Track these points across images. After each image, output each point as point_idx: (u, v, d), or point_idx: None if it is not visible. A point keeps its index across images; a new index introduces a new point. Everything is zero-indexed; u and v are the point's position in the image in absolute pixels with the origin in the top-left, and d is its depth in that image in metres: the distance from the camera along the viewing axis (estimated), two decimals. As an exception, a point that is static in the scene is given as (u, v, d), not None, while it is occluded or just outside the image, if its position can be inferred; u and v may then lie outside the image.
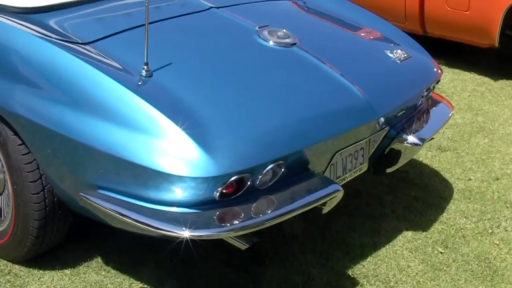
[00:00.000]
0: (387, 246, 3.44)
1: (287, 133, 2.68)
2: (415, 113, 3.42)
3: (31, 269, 3.12)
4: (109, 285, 3.05)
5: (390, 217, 3.69)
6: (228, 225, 2.49)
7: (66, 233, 3.12)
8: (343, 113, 2.90)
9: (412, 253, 3.39)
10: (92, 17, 3.12)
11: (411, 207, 3.80)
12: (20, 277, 3.07)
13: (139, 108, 2.53)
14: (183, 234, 2.44)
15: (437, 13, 5.86)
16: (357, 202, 3.83)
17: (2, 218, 3.11)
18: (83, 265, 3.17)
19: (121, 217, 2.54)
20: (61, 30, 2.91)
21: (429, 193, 3.95)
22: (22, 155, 2.85)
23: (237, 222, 2.49)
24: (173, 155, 2.45)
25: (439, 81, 3.60)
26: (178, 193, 2.48)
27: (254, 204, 2.58)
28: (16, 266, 3.13)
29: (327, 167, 2.93)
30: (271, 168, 2.60)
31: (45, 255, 3.15)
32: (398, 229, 3.59)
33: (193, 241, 2.50)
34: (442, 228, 3.61)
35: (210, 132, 2.52)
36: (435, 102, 3.66)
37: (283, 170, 2.65)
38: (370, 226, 3.60)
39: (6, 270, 3.10)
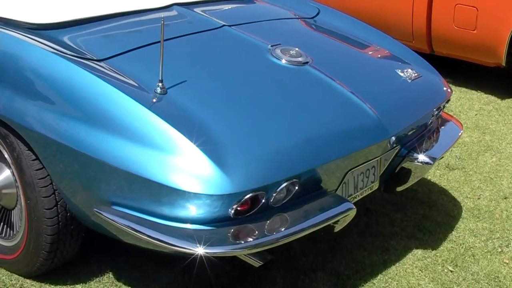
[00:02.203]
0: (397, 264, 3.44)
1: (300, 152, 2.70)
2: (425, 132, 3.44)
3: (42, 284, 3.12)
4: (120, 301, 3.07)
5: (400, 235, 3.70)
6: (243, 242, 2.50)
7: (78, 248, 3.13)
8: (356, 132, 2.92)
9: (422, 272, 3.40)
10: (106, 34, 3.15)
11: (420, 225, 3.81)
12: (32, 292, 3.08)
13: (154, 125, 2.55)
14: (197, 251, 2.45)
15: (444, 32, 5.90)
16: (367, 220, 3.84)
17: (14, 233, 3.12)
18: (94, 281, 3.17)
19: (135, 233, 2.55)
20: (75, 47, 2.94)
21: (438, 212, 3.96)
22: (36, 170, 2.86)
23: (251, 239, 2.50)
24: (188, 172, 2.47)
25: (449, 100, 3.62)
26: (193, 210, 2.49)
27: (268, 221, 2.59)
28: (28, 280, 3.14)
29: (339, 185, 2.94)
30: (285, 186, 2.62)
31: (56, 270, 3.15)
32: (408, 247, 3.59)
33: (207, 258, 2.51)
34: (451, 247, 3.62)
35: (225, 150, 2.53)
36: (444, 121, 3.68)
37: (296, 188, 2.67)
38: (380, 244, 3.60)
39: (18, 285, 3.11)
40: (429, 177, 4.36)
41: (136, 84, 2.74)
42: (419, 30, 6.05)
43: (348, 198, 3.04)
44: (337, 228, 2.86)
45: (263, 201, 2.57)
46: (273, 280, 3.24)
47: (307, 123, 2.83)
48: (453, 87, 6.06)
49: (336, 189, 2.94)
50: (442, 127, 3.61)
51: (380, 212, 3.93)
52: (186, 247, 2.47)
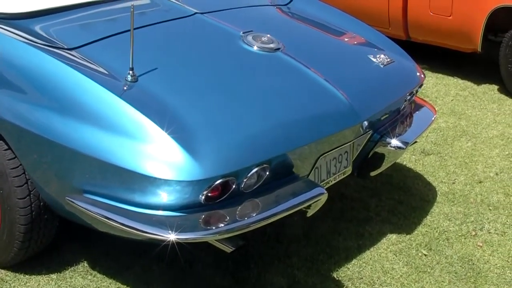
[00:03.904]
0: (371, 249, 3.47)
1: (271, 137, 2.71)
2: (398, 117, 3.47)
3: (17, 274, 3.12)
4: (95, 289, 3.07)
5: (375, 221, 3.72)
6: (214, 228, 2.51)
7: (52, 238, 3.13)
8: (327, 117, 2.94)
9: (396, 256, 3.43)
10: (78, 23, 3.15)
11: (395, 210, 3.84)
12: (6, 282, 3.08)
13: (125, 113, 2.55)
14: (169, 237, 2.46)
15: (420, 18, 5.92)
16: (342, 205, 3.86)
17: (-12, 223, 3.11)
18: (69, 270, 3.17)
19: (107, 221, 2.56)
20: (46, 36, 2.93)
21: (413, 197, 3.99)
22: (8, 160, 2.86)
23: (222, 225, 2.52)
24: (159, 159, 2.48)
25: (422, 85, 3.65)
26: (164, 196, 2.50)
27: (239, 207, 2.61)
28: (2, 271, 3.14)
29: (311, 170, 2.96)
30: (255, 172, 2.63)
31: (31, 260, 3.15)
32: (382, 232, 3.62)
33: (179, 245, 2.52)
34: (426, 231, 3.65)
35: (195, 136, 2.54)
36: (418, 106, 3.71)
37: (267, 173, 2.68)
38: (355, 229, 3.63)
39: (-8, 275, 3.12)
40: (404, 162, 4.40)
41: (107, 72, 2.74)
42: (395, 17, 6.06)
43: (321, 184, 3.06)
44: (310, 213, 2.88)
45: (234, 186, 2.58)
46: (247, 266, 3.26)
47: (278, 109, 2.84)
48: (429, 73, 6.10)
49: (308, 174, 2.96)
50: (416, 112, 3.63)
51: (354, 197, 3.95)
52: (157, 233, 2.48)
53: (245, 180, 2.61)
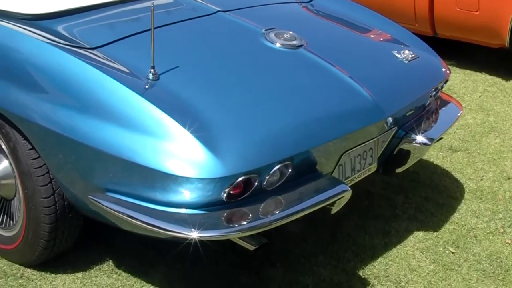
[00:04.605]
0: (398, 247, 3.44)
1: (293, 134, 2.69)
2: (423, 113, 3.42)
3: (43, 272, 3.14)
4: (120, 287, 3.08)
5: (401, 218, 3.68)
6: (236, 225, 2.50)
7: (78, 237, 3.14)
8: (350, 114, 2.91)
9: (423, 253, 3.39)
10: (100, 23, 3.15)
11: (422, 207, 3.79)
12: (32, 280, 3.10)
13: (146, 111, 2.55)
14: (191, 235, 2.45)
15: (447, 14, 5.85)
16: (368, 203, 3.83)
17: (14, 223, 3.14)
18: (94, 268, 3.18)
19: (129, 219, 2.56)
20: (69, 36, 2.94)
21: (440, 194, 3.94)
22: (32, 159, 2.87)
23: (245, 222, 2.50)
24: (180, 157, 2.47)
25: (447, 81, 3.60)
26: (186, 194, 2.49)
27: (262, 204, 2.59)
28: (28, 270, 3.16)
29: (335, 167, 2.94)
30: (278, 169, 2.61)
31: (57, 258, 3.17)
32: (409, 230, 3.58)
33: (204, 243, 2.51)
34: (453, 228, 3.60)
35: (216, 134, 2.53)
36: (444, 102, 3.66)
37: (290, 170, 2.66)
38: (381, 227, 3.60)
39: (19, 274, 3.13)
40: (431, 159, 4.35)
41: (128, 71, 2.74)
42: (421, 13, 6.00)
43: (345, 181, 3.03)
44: (334, 210, 2.85)
45: (256, 184, 2.57)
46: (272, 264, 3.24)
47: (300, 106, 2.82)
48: (457, 69, 6.03)
49: (332, 172, 2.94)
50: (441, 108, 3.58)
51: (381, 194, 3.92)
52: (180, 231, 2.47)
53: (267, 177, 2.60)
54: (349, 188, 2.79)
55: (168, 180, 2.48)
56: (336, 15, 3.79)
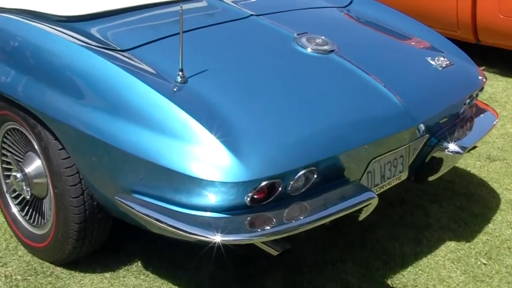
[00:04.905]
0: (428, 256, 3.38)
1: (319, 140, 2.67)
2: (457, 121, 3.36)
3: (72, 271, 3.18)
4: (147, 289, 3.10)
5: (434, 227, 3.63)
6: (259, 230, 2.49)
7: (107, 237, 3.17)
8: (379, 120, 2.87)
9: (454, 264, 3.33)
10: (132, 25, 3.18)
11: (456, 217, 3.73)
12: (61, 279, 3.14)
13: (172, 114, 2.56)
14: (214, 239, 2.45)
15: (490, 21, 5.75)
16: (401, 211, 3.78)
17: (45, 221, 3.19)
18: (123, 269, 3.21)
19: (154, 221, 2.57)
20: (101, 38, 2.97)
21: (476, 203, 3.87)
22: (63, 159, 2.91)
23: (268, 227, 2.49)
24: (205, 160, 2.47)
25: (482, 88, 3.53)
26: (210, 198, 2.50)
27: (286, 210, 2.57)
28: (58, 268, 3.20)
29: (363, 174, 2.90)
30: (302, 174, 2.59)
31: (86, 258, 3.21)
32: (441, 239, 3.52)
33: (229, 247, 2.50)
34: (486, 239, 3.53)
35: (241, 138, 2.53)
36: (479, 110, 3.59)
37: (315, 176, 2.64)
38: (413, 235, 3.55)
39: (48, 272, 3.18)
40: (468, 168, 4.27)
41: (157, 74, 2.76)
42: (464, 20, 5.91)
43: (375, 188, 3.00)
44: (361, 217, 2.81)
45: (280, 189, 2.56)
46: (299, 270, 3.23)
47: (327, 111, 2.80)
48: (499, 77, 5.93)
49: (361, 178, 2.90)
50: (477, 116, 3.52)
51: (415, 203, 3.87)
52: (203, 235, 2.47)
53: (291, 182, 2.58)
54: (376, 196, 2.75)
55: (192, 183, 2.49)
56: (371, 20, 3.76)
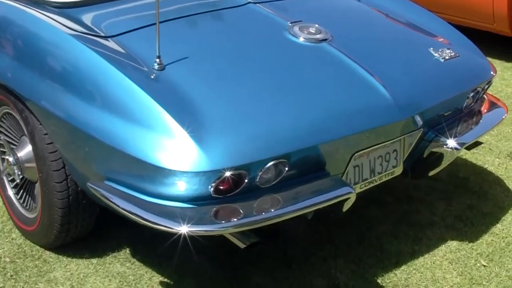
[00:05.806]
0: (426, 256, 3.26)
1: (292, 131, 2.58)
2: (461, 115, 3.22)
3: (60, 256, 3.20)
4: (130, 276, 3.08)
5: (438, 225, 3.49)
6: (226, 221, 2.44)
7: (94, 223, 3.17)
8: (360, 112, 2.75)
9: (451, 264, 3.20)
10: (122, 12, 3.15)
11: (463, 215, 3.58)
12: (48, 263, 3.15)
13: (141, 102, 2.52)
14: (180, 230, 2.40)
15: (527, 14, 5.51)
16: (407, 208, 3.66)
17: (35, 205, 3.21)
18: (110, 256, 3.21)
19: (121, 210, 2.54)
20: (89, 24, 2.97)
21: (486, 202, 3.71)
22: (47, 144, 2.92)
23: (235, 219, 2.44)
24: (169, 150, 2.43)
25: (490, 82, 3.37)
26: (175, 187, 2.45)
27: (255, 202, 2.51)
28: (47, 252, 3.22)
29: (347, 168, 2.80)
30: (272, 166, 2.52)
31: (77, 243, 3.22)
32: (442, 238, 3.39)
33: (194, 238, 2.47)
34: (491, 240, 3.38)
35: (208, 128, 2.47)
36: (487, 105, 3.42)
37: (287, 169, 2.56)
38: (414, 233, 3.42)
39: (37, 256, 3.20)
40: (485, 165, 4.10)
41: (137, 60, 2.73)
42: (500, 13, 5.66)
43: (363, 183, 2.91)
44: (339, 212, 2.72)
45: (247, 180, 2.49)
46: (288, 265, 3.15)
47: (306, 102, 2.71)
48: (536, 73, 5.68)
49: (344, 172, 2.81)
50: (484, 111, 3.36)
51: (423, 200, 3.73)
52: (170, 226, 2.43)
53: (260, 174, 2.51)
54: (353, 191, 2.65)
55: (157, 172, 2.45)
56: (376, 9, 3.62)
